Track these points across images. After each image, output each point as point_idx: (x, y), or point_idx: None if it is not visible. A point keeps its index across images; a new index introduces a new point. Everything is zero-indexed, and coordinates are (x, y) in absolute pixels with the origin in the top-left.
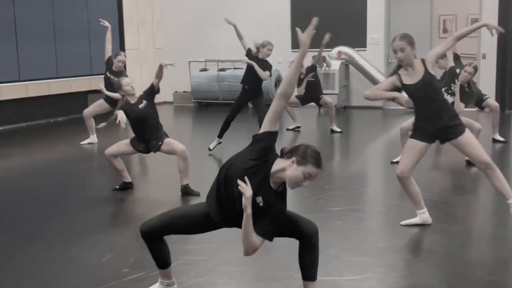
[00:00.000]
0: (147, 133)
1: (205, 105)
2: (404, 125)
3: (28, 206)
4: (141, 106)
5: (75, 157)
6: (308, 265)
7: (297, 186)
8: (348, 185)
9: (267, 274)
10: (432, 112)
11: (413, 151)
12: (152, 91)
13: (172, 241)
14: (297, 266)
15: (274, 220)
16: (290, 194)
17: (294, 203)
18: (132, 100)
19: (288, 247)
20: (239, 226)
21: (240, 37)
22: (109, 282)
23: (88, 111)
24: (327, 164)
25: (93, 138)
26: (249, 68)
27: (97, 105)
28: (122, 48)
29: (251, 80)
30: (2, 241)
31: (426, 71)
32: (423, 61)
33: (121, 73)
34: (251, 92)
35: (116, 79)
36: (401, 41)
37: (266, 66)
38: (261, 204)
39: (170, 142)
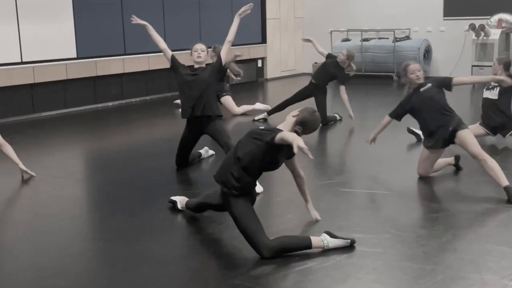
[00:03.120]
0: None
1: None
2: None
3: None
4: None
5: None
6: None
7: None
8: None
9: (460, 275)
10: None
11: None
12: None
13: (340, 227)
14: (495, 268)
15: None
16: (463, 181)
17: (468, 192)
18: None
19: (488, 241)
20: None
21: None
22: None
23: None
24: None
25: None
26: (323, 66)
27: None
28: (263, 17)
29: (321, 78)
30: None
31: None
32: None
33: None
34: (317, 88)
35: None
36: None
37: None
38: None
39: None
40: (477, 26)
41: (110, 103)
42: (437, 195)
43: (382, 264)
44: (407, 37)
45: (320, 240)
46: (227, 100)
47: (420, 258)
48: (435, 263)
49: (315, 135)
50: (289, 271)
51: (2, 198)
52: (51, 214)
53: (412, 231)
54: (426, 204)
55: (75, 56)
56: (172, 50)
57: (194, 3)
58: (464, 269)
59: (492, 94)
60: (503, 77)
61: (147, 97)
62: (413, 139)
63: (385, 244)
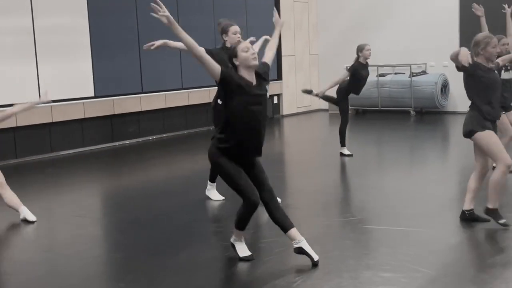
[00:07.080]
0: None
1: (362, 112)
2: None
3: (195, 208)
4: None
5: None
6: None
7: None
8: None
9: None
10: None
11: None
12: None
13: (368, 266)
14: None
15: None
16: None
17: (498, 228)
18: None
19: None
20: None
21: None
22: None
23: None
24: None
25: None
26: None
27: None
28: (278, 55)
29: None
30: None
31: None
32: None
33: None
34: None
35: None
36: None
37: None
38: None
39: None
40: None
41: (127, 141)
42: (465, 231)
43: None
44: (424, 72)
45: (298, 235)
46: None
47: None
48: None
49: (334, 172)
50: None
51: (20, 237)
52: (71, 254)
53: (443, 270)
54: (455, 241)
55: (93, 95)
56: (188, 89)
57: (209, 40)
58: None
59: (508, 75)
60: None
61: (164, 135)
62: (435, 174)
63: (416, 284)
